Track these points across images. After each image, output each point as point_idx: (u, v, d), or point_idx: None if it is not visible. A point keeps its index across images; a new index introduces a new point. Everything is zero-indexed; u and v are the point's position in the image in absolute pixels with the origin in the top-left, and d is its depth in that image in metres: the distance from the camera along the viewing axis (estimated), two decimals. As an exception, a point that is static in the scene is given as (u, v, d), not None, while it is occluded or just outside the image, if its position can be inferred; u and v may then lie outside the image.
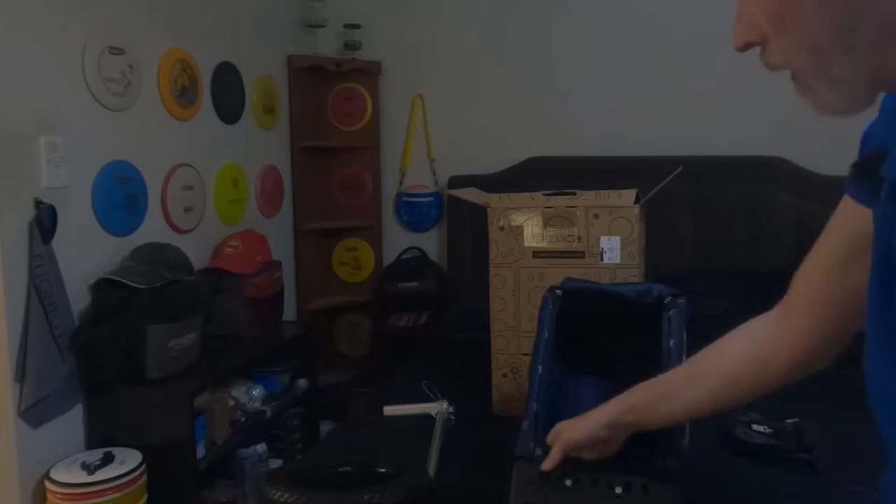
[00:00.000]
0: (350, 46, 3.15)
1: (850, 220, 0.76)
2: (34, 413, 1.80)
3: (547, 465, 1.12)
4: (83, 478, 1.77)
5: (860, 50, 0.58)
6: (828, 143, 2.67)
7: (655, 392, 1.05)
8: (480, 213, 1.97)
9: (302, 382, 2.64)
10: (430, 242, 3.28)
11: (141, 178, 2.19)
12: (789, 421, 1.61)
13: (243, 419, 2.31)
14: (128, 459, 1.85)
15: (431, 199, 3.22)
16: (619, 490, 1.11)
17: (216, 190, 2.57)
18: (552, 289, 1.41)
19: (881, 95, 0.64)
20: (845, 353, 0.88)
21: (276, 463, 2.42)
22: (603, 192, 1.80)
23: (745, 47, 0.64)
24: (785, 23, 0.61)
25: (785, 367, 0.92)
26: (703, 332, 1.13)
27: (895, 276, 0.61)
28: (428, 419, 1.80)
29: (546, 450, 1.17)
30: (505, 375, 1.90)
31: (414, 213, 3.24)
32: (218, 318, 2.30)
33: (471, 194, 2.02)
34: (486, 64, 3.11)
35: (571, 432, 1.09)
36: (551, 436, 1.14)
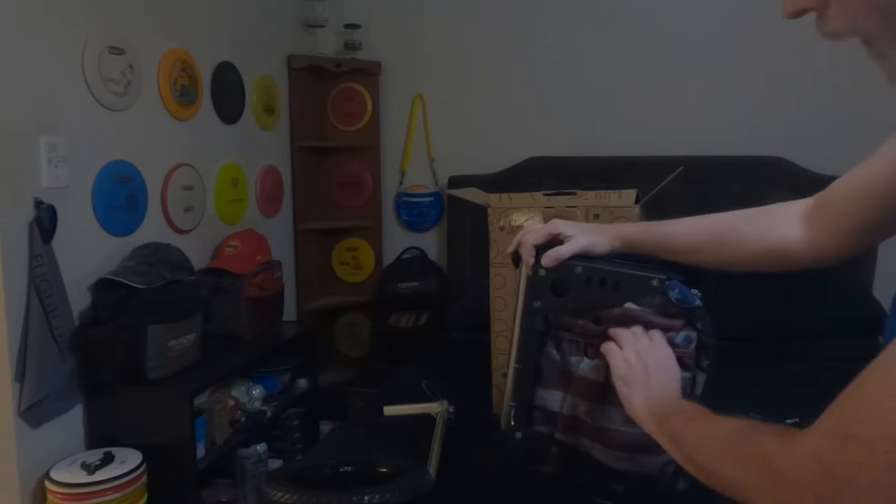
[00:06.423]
0: (350, 46, 3.15)
1: None
2: (34, 413, 1.80)
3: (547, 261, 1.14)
4: (83, 478, 1.77)
5: None
6: (828, 143, 2.68)
7: (657, 244, 1.13)
8: (480, 213, 1.97)
9: (302, 382, 2.64)
10: (430, 242, 3.28)
11: (141, 178, 2.19)
12: (789, 421, 1.60)
13: (243, 419, 2.31)
14: (128, 459, 1.85)
15: (431, 199, 3.22)
16: None
17: (216, 190, 2.57)
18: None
19: None
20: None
21: (276, 463, 2.42)
22: (603, 192, 1.80)
23: (799, 14, 0.59)
24: None
25: (801, 265, 0.98)
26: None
27: None
28: (428, 419, 1.80)
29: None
30: (505, 375, 1.90)
31: (414, 213, 3.24)
32: (218, 318, 2.31)
33: (471, 194, 2.02)
34: (486, 64, 3.11)
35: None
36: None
